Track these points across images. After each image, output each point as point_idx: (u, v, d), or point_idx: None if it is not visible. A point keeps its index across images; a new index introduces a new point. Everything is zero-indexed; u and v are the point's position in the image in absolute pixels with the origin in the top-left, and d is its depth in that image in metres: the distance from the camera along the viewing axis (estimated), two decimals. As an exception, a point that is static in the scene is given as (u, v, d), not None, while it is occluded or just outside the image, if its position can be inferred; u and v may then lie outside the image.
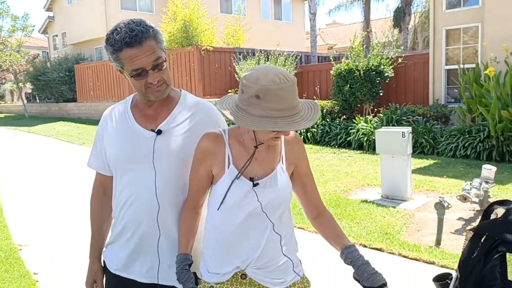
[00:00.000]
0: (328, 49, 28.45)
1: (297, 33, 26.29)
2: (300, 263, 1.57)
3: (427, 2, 19.77)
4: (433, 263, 3.71)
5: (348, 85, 10.56)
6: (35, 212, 5.81)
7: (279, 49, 13.75)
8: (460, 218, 4.74)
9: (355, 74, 10.40)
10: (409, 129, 5.48)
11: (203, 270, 1.52)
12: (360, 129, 9.42)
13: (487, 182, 4.69)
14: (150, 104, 1.61)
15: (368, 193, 5.94)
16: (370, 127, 9.25)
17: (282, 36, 21.21)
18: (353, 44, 10.97)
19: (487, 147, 7.68)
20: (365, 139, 9.16)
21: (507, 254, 1.35)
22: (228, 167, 1.45)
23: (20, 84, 24.83)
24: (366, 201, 5.53)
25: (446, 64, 10.20)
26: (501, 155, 7.57)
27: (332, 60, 11.62)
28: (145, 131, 1.58)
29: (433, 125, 9.01)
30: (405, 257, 3.90)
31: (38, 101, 26.48)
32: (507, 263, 1.36)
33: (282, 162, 1.50)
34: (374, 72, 10.36)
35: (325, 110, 10.98)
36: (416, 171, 6.92)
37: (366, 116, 9.99)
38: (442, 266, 3.59)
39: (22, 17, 23.20)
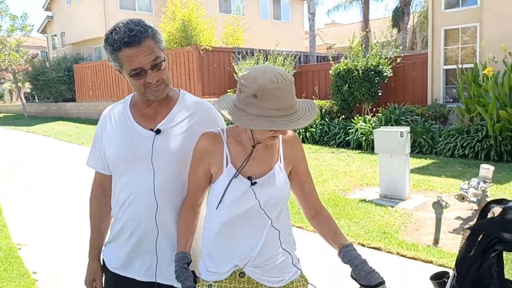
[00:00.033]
0: (327, 49, 28.46)
1: (296, 33, 26.30)
2: (298, 261, 1.57)
3: (426, 2, 19.77)
4: (431, 262, 3.72)
5: (347, 85, 10.57)
6: (34, 211, 5.81)
7: (278, 49, 13.75)
8: (458, 218, 4.75)
9: (354, 74, 10.42)
10: (408, 128, 5.49)
11: (202, 269, 1.52)
12: (359, 129, 9.43)
13: (485, 182, 4.71)
14: (149, 104, 1.62)
15: (367, 192, 5.96)
16: (369, 127, 9.27)
17: (281, 36, 21.22)
18: (352, 44, 10.99)
19: (485, 146, 7.70)
20: (364, 138, 9.17)
21: (504, 253, 1.36)
22: (226, 166, 1.46)
23: (19, 84, 24.82)
24: (364, 200, 5.54)
25: (445, 64, 10.22)
26: (499, 154, 7.59)
27: (331, 60, 11.63)
28: (144, 131, 1.59)
29: (431, 124, 9.03)
30: (403, 256, 3.91)
31: (37, 100, 26.45)
32: (504, 261, 1.37)
33: (280, 161, 1.51)
34: (372, 72, 10.38)
35: (324, 110, 10.99)
36: (414, 170, 6.93)
37: (365, 116, 10.01)
38: (440, 265, 3.60)
39: (21, 16, 23.20)
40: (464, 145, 7.93)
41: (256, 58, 13.21)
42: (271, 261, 1.47)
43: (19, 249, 4.44)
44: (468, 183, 4.66)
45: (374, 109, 10.63)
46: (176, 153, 1.56)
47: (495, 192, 5.47)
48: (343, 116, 10.71)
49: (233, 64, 14.07)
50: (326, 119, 10.69)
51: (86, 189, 1.85)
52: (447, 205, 4.17)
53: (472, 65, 9.06)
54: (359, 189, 6.20)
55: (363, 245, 4.17)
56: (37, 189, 7.11)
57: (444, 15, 10.04)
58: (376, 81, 10.45)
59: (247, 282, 1.47)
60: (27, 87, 27.88)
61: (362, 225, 4.69)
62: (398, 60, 10.86)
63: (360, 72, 10.33)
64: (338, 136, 9.89)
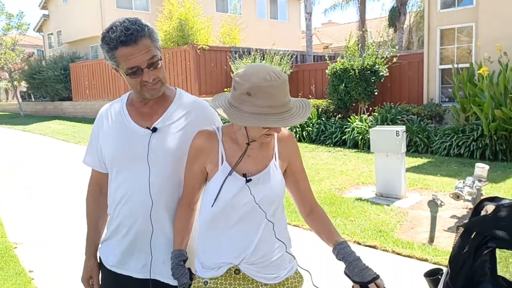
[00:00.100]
0: (324, 48, 28.52)
1: (292, 32, 26.31)
2: (294, 258, 1.59)
3: (422, 2, 19.84)
4: (426, 260, 3.75)
5: (343, 84, 10.60)
6: (31, 210, 5.80)
7: (275, 48, 13.77)
8: (453, 216, 4.78)
9: (350, 74, 10.44)
10: (403, 128, 5.52)
11: (198, 266, 1.53)
12: (355, 128, 9.46)
13: (480, 181, 4.73)
14: (145, 102, 1.63)
15: (363, 191, 5.98)
16: (365, 126, 9.29)
17: (277, 35, 21.23)
18: (348, 43, 11.01)
19: (480, 146, 7.74)
20: (360, 137, 9.20)
21: (497, 250, 1.37)
22: (222, 164, 1.47)
23: (15, 83, 24.72)
24: (360, 199, 5.56)
25: (441, 64, 10.26)
26: (494, 153, 7.63)
27: (328, 59, 11.66)
28: (140, 129, 1.59)
29: (427, 124, 9.07)
30: (398, 254, 3.93)
31: (33, 99, 26.37)
32: (497, 258, 1.39)
33: (275, 159, 1.52)
34: (369, 72, 10.41)
35: (320, 109, 11.02)
36: (410, 169, 6.96)
37: (361, 115, 10.04)
38: (435, 263, 3.63)
39: (17, 15, 23.13)
40: (459, 144, 7.97)
41: (253, 57, 13.21)
42: (266, 258, 1.48)
43: (15, 247, 4.43)
44: (463, 182, 4.69)
45: (370, 108, 10.66)
46: (173, 151, 1.57)
47: (490, 190, 5.50)
48: (339, 115, 10.73)
49: (230, 63, 14.08)
50: (323, 118, 10.71)
51: (82, 188, 1.86)
52: (442, 203, 4.19)
53: (467, 65, 9.10)
54: (355, 188, 6.22)
55: (359, 243, 4.19)
56: (33, 188, 7.09)
57: (440, 15, 10.07)
58: (372, 80, 10.48)
59: (242, 279, 1.48)
60: (23, 86, 27.78)
61: (358, 223, 4.71)
62: (394, 59, 10.90)
63: (357, 71, 10.36)
64: (334, 135, 9.92)
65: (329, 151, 9.15)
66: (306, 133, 10.49)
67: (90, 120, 16.40)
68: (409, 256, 3.86)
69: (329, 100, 11.25)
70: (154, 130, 1.58)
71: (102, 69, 18.25)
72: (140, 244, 1.60)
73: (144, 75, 1.50)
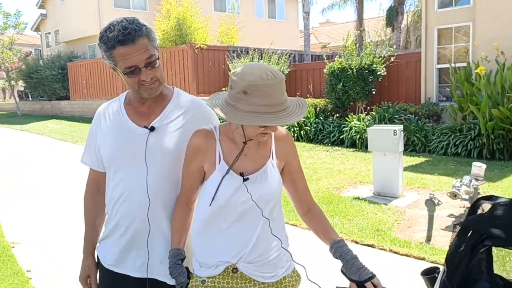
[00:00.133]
0: (322, 47, 28.53)
1: (290, 31, 26.31)
2: (290, 254, 1.59)
3: (420, 2, 19.86)
4: (423, 259, 3.76)
5: (341, 84, 10.61)
6: (28, 210, 5.79)
7: (273, 48, 13.77)
8: (450, 215, 4.80)
9: (348, 73, 10.45)
10: (401, 127, 5.53)
11: (195, 265, 1.54)
12: (353, 127, 9.47)
13: (477, 180, 4.74)
14: (143, 101, 1.63)
15: (360, 190, 5.99)
16: (363, 125, 9.31)
17: (275, 35, 21.22)
18: (346, 43, 11.02)
19: (477, 145, 7.76)
20: (358, 137, 9.21)
21: (493, 248, 1.38)
22: (219, 163, 1.47)
23: (12, 82, 24.67)
24: (358, 198, 5.57)
25: (438, 63, 10.28)
26: (492, 153, 7.65)
27: (325, 58, 11.66)
28: (138, 128, 1.60)
29: (424, 123, 9.09)
30: (396, 253, 3.94)
31: (30, 99, 26.30)
32: (493, 257, 1.39)
33: (272, 158, 1.53)
34: (367, 71, 10.42)
35: (318, 109, 11.02)
36: (407, 168, 6.98)
37: (359, 114, 10.05)
38: (432, 262, 3.64)
39: (14, 14, 23.11)
40: (457, 143, 7.99)
41: (251, 56, 13.21)
42: (264, 257, 1.48)
43: (13, 247, 4.42)
44: (461, 181, 4.69)
45: (368, 107, 10.67)
46: (170, 150, 1.58)
47: (487, 189, 5.52)
48: (337, 115, 10.74)
49: (228, 62, 14.06)
50: (321, 118, 10.72)
51: (80, 188, 1.86)
52: (440, 202, 4.21)
53: (465, 64, 9.13)
54: (353, 187, 6.24)
55: (357, 242, 4.20)
56: (31, 187, 7.07)
57: (437, 14, 10.09)
58: (370, 79, 10.49)
59: (240, 278, 1.48)
60: (20, 85, 27.71)
61: (355, 222, 4.72)
62: (392, 59, 10.91)
63: (354, 71, 10.37)
64: (332, 135, 9.93)
65: (327, 150, 9.16)
66: (304, 132, 10.50)
67: (88, 120, 16.37)
68: (406, 255, 3.87)
69: (327, 100, 11.25)
70: (152, 129, 1.58)
71: (99, 69, 18.21)
72: (137, 243, 1.60)
73: (141, 75, 1.50)
